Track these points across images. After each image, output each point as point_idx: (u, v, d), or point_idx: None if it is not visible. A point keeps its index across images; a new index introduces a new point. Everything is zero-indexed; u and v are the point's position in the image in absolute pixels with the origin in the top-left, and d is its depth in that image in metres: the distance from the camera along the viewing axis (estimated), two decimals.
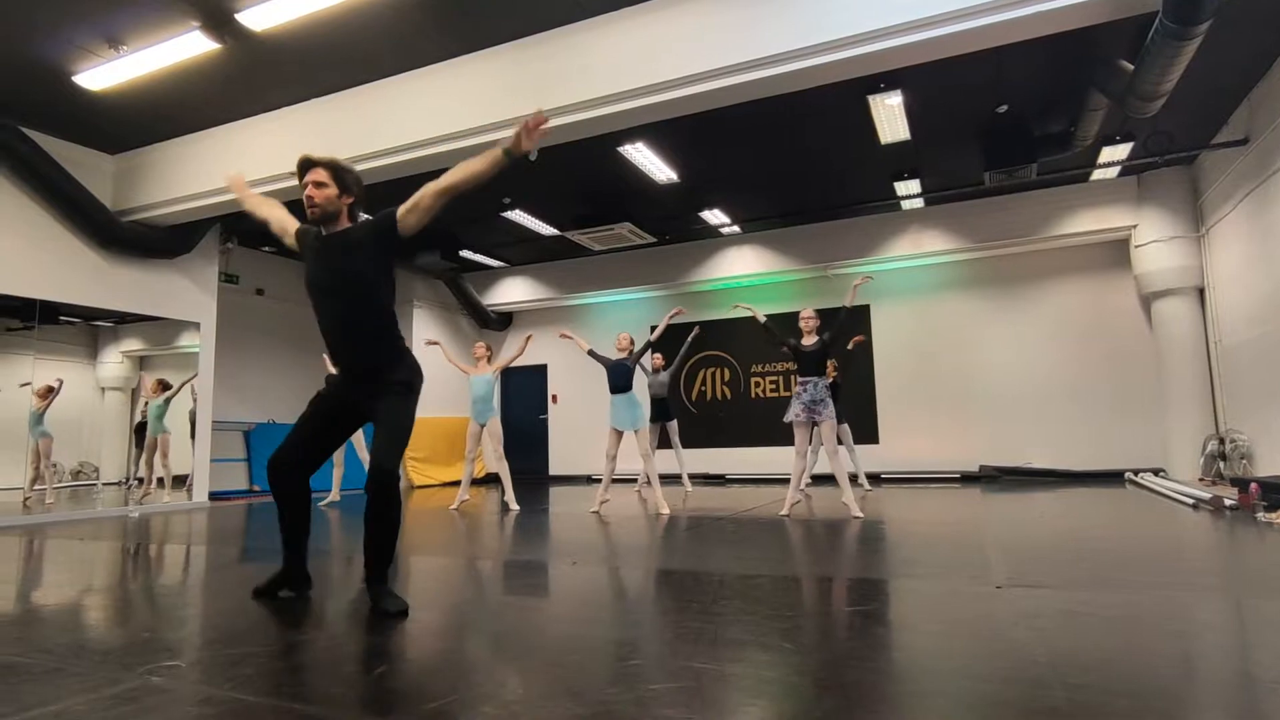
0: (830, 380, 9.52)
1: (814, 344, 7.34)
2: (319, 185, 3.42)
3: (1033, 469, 11.42)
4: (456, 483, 13.92)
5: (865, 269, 12.75)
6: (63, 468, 10.10)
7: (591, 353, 8.24)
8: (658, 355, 10.79)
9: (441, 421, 14.15)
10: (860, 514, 6.96)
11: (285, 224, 3.77)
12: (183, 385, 10.48)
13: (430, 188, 3.37)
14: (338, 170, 3.46)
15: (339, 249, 3.46)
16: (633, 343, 8.28)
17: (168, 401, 10.40)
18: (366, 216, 3.57)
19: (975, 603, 3.40)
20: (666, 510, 7.75)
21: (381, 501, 3.42)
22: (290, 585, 3.81)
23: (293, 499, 3.67)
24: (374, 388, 3.48)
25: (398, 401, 3.46)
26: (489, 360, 9.16)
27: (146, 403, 10.51)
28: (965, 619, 3.13)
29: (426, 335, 14.50)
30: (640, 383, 8.81)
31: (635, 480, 11.20)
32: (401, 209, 3.40)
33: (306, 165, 3.47)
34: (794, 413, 7.29)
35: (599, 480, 7.96)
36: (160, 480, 10.28)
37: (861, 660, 2.55)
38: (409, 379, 3.54)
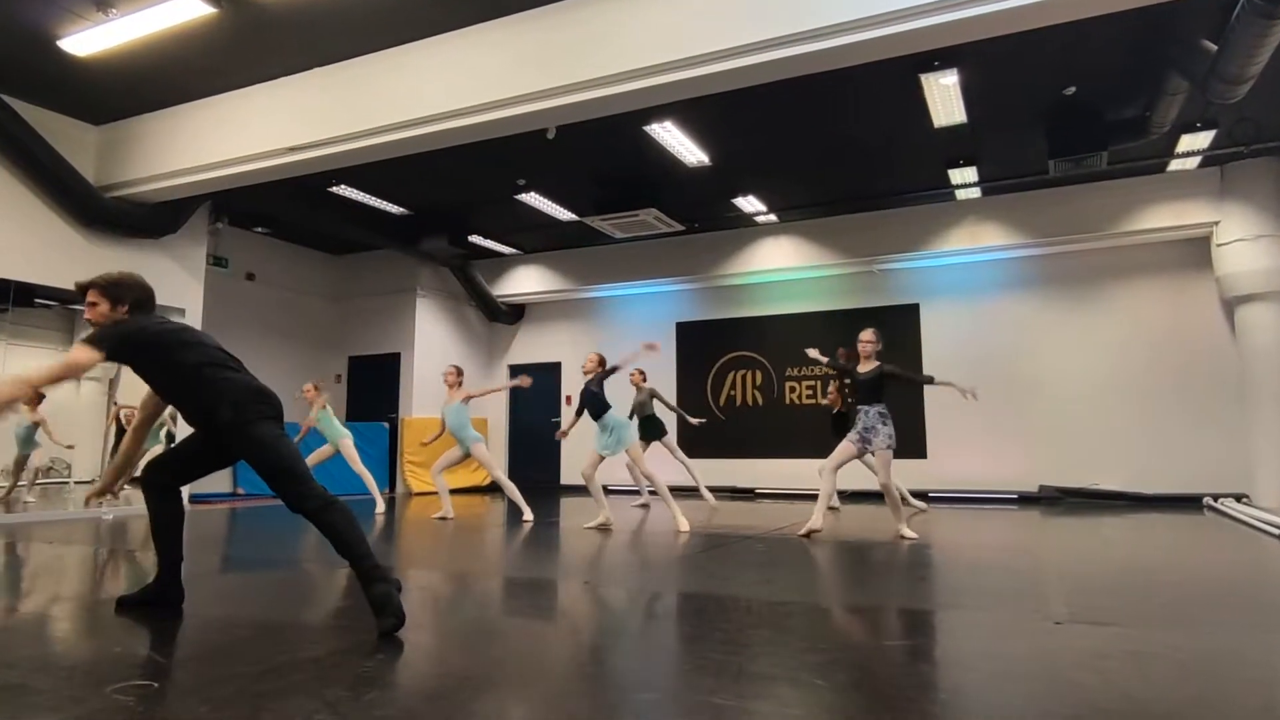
0: (837, 411, 9.62)
1: (871, 371, 7.38)
2: (91, 305, 3.86)
3: (1099, 491, 11.28)
4: (457, 490, 13.96)
5: (916, 264, 12.67)
6: (31, 464, 10.20)
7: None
8: (636, 370, 10.84)
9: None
10: (913, 535, 7.03)
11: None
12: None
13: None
14: (102, 289, 3.88)
15: None
16: (601, 364, 8.31)
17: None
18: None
19: (1032, 639, 3.35)
20: (686, 526, 7.74)
21: (316, 521, 3.63)
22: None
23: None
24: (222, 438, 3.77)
25: (250, 444, 3.67)
26: (458, 386, 9.42)
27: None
28: (1020, 657, 3.08)
29: (428, 326, 14.55)
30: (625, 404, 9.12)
31: (637, 493, 11.20)
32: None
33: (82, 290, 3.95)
34: (851, 436, 7.36)
35: (618, 491, 7.96)
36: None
37: (903, 701, 2.51)
38: (233, 416, 3.68)
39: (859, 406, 7.39)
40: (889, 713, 2.40)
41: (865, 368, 7.42)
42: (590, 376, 8.22)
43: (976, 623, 3.72)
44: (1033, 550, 6.54)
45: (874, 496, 11.41)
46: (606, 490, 8.66)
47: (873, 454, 7.26)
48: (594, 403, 8.17)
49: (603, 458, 8.16)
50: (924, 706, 2.49)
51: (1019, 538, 7.47)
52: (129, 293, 3.87)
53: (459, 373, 9.48)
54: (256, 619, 3.71)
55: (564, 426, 8.68)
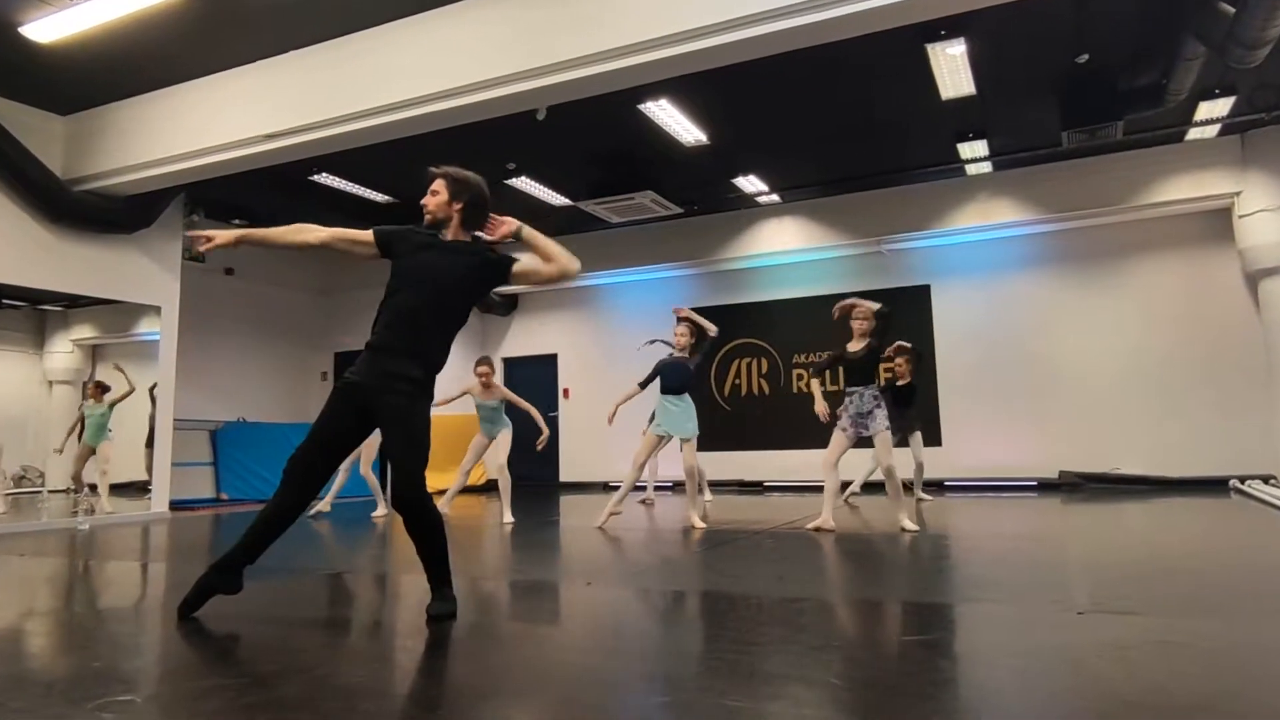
0: (904, 383, 9.57)
1: (862, 349, 7.28)
2: (433, 193, 3.99)
3: (1121, 475, 11.29)
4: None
5: (926, 243, 12.65)
6: (3, 473, 10.16)
7: (647, 383, 8.09)
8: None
9: (438, 419, 14.15)
10: (915, 527, 6.88)
11: (350, 235, 4.06)
12: (124, 396, 10.49)
13: (542, 270, 4.08)
14: (450, 178, 4.00)
15: (453, 252, 3.96)
16: (692, 335, 8.09)
17: (112, 407, 10.38)
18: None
19: (1054, 631, 3.35)
20: (702, 524, 7.64)
21: (415, 521, 3.72)
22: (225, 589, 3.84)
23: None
24: (387, 380, 3.78)
25: (406, 403, 3.77)
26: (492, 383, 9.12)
27: (81, 407, 10.46)
28: (1042, 650, 3.08)
29: None
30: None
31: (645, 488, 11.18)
32: (520, 267, 4.03)
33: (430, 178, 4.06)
34: (841, 424, 7.26)
35: (618, 488, 7.89)
36: (93, 487, 10.26)
37: (921, 698, 2.51)
38: (422, 376, 3.86)
39: (848, 389, 7.26)
40: (907, 710, 2.40)
41: (857, 347, 7.30)
42: (684, 350, 7.98)
43: (996, 615, 3.72)
44: (1053, 539, 6.54)
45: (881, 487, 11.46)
46: (608, 487, 8.66)
47: (870, 438, 7.17)
48: (684, 376, 7.93)
49: (660, 440, 7.91)
50: (943, 703, 2.49)
51: (1039, 526, 7.48)
52: (466, 190, 3.99)
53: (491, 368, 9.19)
54: (244, 628, 3.71)
55: (619, 399, 8.19)
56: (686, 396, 7.93)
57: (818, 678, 2.76)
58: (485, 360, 9.08)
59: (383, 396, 3.74)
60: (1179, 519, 7.62)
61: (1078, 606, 3.77)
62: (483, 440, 9.10)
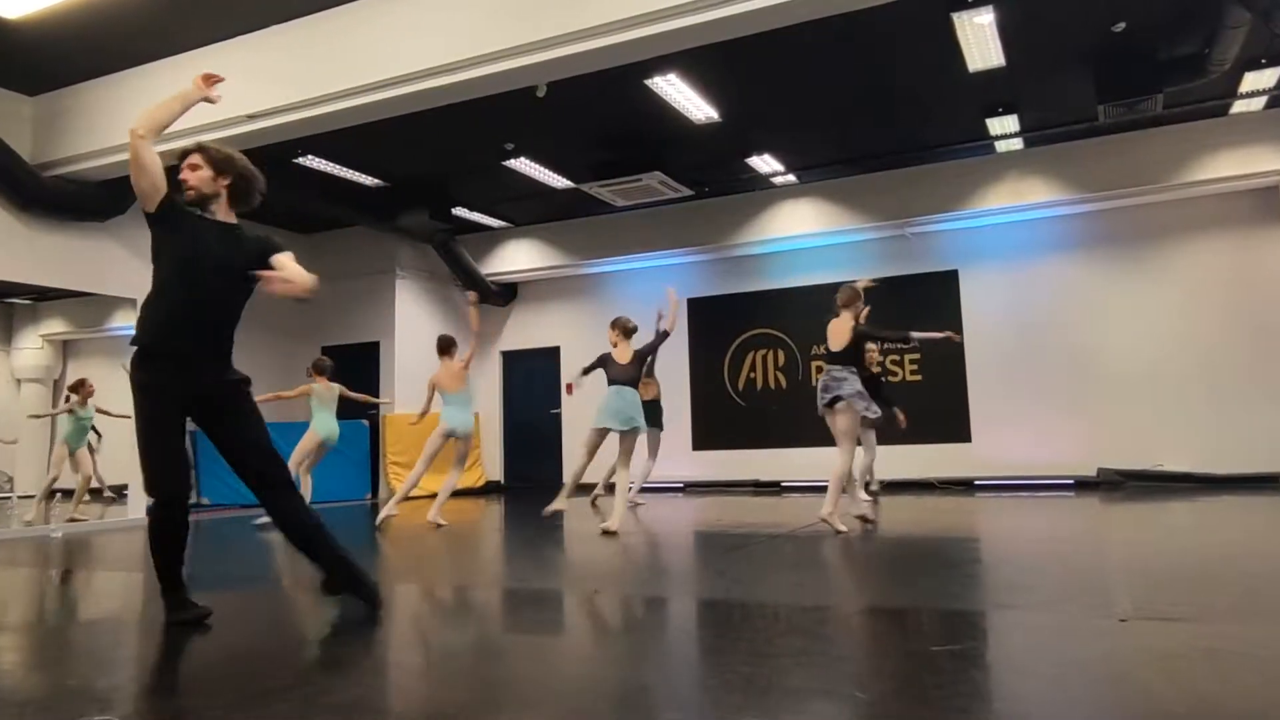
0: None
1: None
2: (193, 168, 4.06)
3: (1165, 473, 11.25)
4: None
5: (953, 225, 12.61)
6: None
7: (587, 370, 8.16)
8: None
9: (430, 418, 14.18)
10: (844, 529, 6.91)
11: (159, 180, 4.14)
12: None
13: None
14: (208, 153, 4.07)
15: (231, 239, 4.04)
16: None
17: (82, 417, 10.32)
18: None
19: (1095, 639, 3.34)
20: (614, 530, 7.37)
21: (291, 506, 3.98)
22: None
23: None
24: (219, 383, 4.04)
25: (253, 403, 4.10)
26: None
27: (70, 409, 10.33)
28: (1082, 659, 3.07)
29: (409, 310, 14.51)
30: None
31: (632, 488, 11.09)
32: (281, 258, 4.06)
33: (184, 154, 4.16)
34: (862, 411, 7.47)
35: (625, 487, 7.85)
36: (67, 493, 10.24)
37: (953, 712, 2.50)
38: (245, 377, 4.16)
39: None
40: None
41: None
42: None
43: (1032, 623, 3.71)
44: (1093, 541, 6.53)
45: (914, 486, 11.46)
46: (610, 488, 8.64)
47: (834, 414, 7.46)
48: (632, 369, 7.99)
49: (604, 433, 7.88)
50: (976, 717, 2.48)
51: (1077, 527, 7.46)
52: (231, 166, 4.00)
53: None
54: (229, 644, 3.71)
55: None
56: (630, 389, 7.90)
57: (840, 691, 2.75)
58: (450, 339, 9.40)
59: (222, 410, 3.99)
60: (1228, 519, 7.60)
61: (1120, 613, 3.75)
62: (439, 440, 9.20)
